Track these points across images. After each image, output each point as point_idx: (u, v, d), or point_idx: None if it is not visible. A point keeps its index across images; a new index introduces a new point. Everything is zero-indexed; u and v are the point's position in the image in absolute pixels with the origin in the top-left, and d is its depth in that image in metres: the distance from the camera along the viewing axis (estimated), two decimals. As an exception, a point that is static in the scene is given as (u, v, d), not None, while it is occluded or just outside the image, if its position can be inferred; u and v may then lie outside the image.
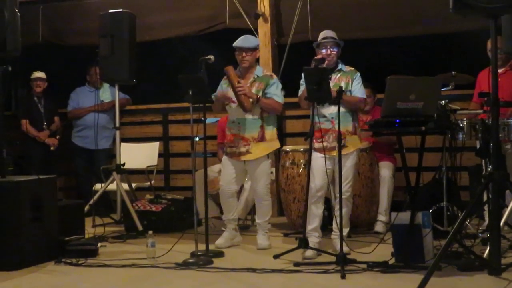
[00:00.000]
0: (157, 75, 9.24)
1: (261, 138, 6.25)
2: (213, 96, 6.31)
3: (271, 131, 6.32)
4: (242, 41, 6.30)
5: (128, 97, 8.91)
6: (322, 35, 5.94)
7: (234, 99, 6.22)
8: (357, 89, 5.90)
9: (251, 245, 6.45)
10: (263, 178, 6.32)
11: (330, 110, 5.80)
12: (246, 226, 7.40)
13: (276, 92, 6.28)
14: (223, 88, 6.43)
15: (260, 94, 6.23)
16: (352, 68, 5.97)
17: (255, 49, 6.33)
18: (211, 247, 6.02)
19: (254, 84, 6.29)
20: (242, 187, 6.98)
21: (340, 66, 5.95)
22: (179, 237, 6.18)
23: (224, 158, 6.44)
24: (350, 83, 5.88)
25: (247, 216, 7.53)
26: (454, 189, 6.49)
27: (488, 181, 4.88)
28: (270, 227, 6.57)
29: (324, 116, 5.83)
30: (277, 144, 6.42)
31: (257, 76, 6.33)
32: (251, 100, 6.16)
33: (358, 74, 5.94)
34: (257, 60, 6.47)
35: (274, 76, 6.45)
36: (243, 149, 6.25)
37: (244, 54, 6.27)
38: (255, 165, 6.29)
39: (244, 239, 6.65)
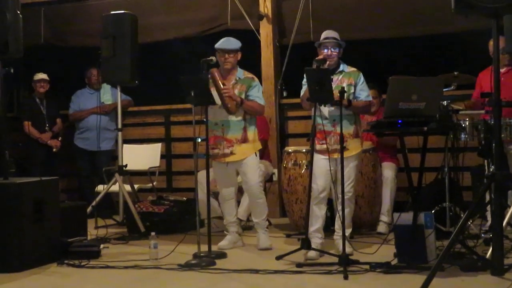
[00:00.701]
0: (159, 77, 9.23)
1: (244, 140, 6.29)
2: None
3: (253, 132, 6.35)
4: (224, 43, 6.32)
5: (130, 98, 8.91)
6: (324, 35, 5.93)
7: (217, 100, 6.21)
8: (363, 92, 5.89)
9: (254, 246, 6.45)
10: (253, 176, 6.33)
11: (331, 112, 5.79)
12: (248, 227, 7.39)
13: (258, 95, 6.33)
14: None
15: (242, 96, 6.27)
16: (355, 69, 5.95)
17: (237, 51, 6.35)
18: (213, 248, 6.02)
19: (236, 86, 6.31)
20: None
21: (342, 67, 5.94)
22: (181, 239, 6.18)
23: (214, 162, 6.44)
24: (352, 84, 5.87)
25: (249, 217, 7.51)
26: (457, 190, 6.49)
27: (491, 181, 4.88)
28: (268, 224, 6.57)
29: (326, 118, 5.82)
30: (259, 145, 6.45)
31: (239, 78, 6.36)
32: (235, 102, 6.18)
33: (361, 75, 5.91)
34: (239, 63, 6.46)
35: (256, 79, 6.47)
36: (226, 151, 6.27)
37: (226, 55, 6.28)
38: (243, 164, 6.31)
39: (246, 240, 6.66)
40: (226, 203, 6.51)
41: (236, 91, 6.25)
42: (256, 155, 6.36)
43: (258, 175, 6.40)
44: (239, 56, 6.38)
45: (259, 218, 6.41)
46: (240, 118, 6.27)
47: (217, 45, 6.30)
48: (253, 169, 6.33)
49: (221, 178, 6.47)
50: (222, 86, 6.15)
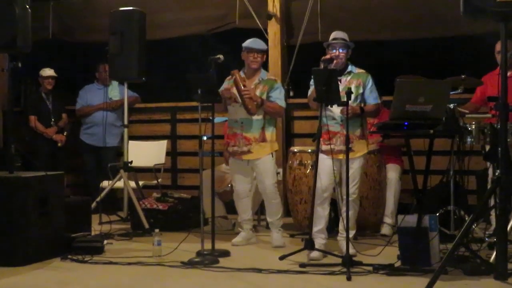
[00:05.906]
0: (166, 74, 9.25)
1: (262, 139, 6.36)
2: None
3: (271, 133, 6.42)
4: (253, 43, 6.42)
5: (137, 95, 8.92)
6: (332, 35, 5.93)
7: (238, 99, 6.28)
8: (372, 95, 5.89)
9: (257, 246, 6.45)
10: (269, 176, 6.38)
11: (339, 113, 5.78)
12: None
13: (279, 97, 6.40)
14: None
15: (264, 96, 6.33)
16: (363, 71, 5.94)
17: (264, 52, 6.47)
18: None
19: (258, 86, 6.38)
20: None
21: (350, 68, 5.93)
22: (185, 236, 6.19)
23: (231, 159, 6.50)
24: (361, 86, 5.86)
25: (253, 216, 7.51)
26: (462, 193, 6.47)
27: (496, 185, 4.87)
28: (282, 224, 6.59)
29: (334, 119, 5.82)
30: (276, 146, 6.50)
31: (262, 79, 6.45)
32: (255, 103, 6.23)
33: (370, 77, 5.91)
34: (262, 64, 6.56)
35: (278, 81, 6.61)
36: (245, 148, 6.34)
37: (255, 55, 6.38)
38: (259, 164, 6.36)
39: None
40: (241, 201, 6.55)
41: (258, 91, 6.34)
42: (272, 156, 6.41)
43: (274, 176, 6.44)
44: (264, 57, 6.51)
45: (273, 218, 6.45)
46: (260, 117, 6.34)
47: (246, 44, 6.40)
48: (268, 169, 6.38)
49: (237, 176, 6.52)
50: (242, 87, 6.21)
